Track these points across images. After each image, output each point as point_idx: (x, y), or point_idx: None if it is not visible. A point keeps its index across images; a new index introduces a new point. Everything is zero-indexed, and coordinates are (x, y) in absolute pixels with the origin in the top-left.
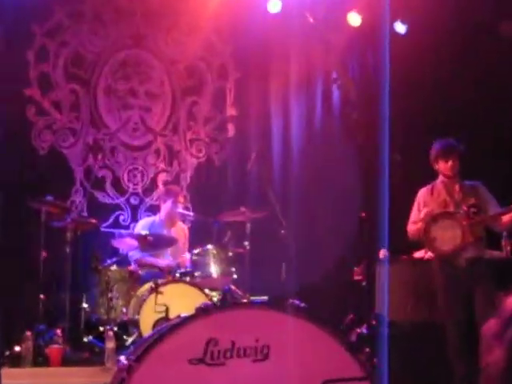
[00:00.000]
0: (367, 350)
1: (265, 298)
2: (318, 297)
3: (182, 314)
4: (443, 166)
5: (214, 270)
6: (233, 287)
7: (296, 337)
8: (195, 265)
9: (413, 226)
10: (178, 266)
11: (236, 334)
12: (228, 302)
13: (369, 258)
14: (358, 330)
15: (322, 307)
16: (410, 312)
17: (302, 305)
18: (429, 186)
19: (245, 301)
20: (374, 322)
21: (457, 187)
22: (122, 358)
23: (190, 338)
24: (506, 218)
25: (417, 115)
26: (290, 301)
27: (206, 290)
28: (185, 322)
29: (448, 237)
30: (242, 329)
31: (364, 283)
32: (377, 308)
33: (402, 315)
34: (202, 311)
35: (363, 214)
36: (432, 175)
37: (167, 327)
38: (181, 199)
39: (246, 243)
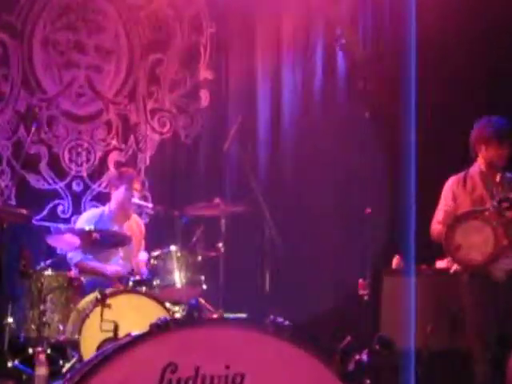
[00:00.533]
0: (368, 382)
1: (241, 315)
2: (309, 315)
3: (134, 332)
4: (495, 153)
5: (178, 278)
6: (202, 301)
7: (277, 364)
8: (154, 271)
9: (438, 227)
10: (132, 273)
11: (201, 359)
12: (192, 318)
13: (376, 266)
14: (357, 357)
15: (313, 328)
16: (429, 337)
17: (287, 323)
18: (460, 175)
19: (214, 317)
20: (377, 347)
21: (497, 178)
22: None
23: (143, 363)
24: None
25: (447, 86)
26: (271, 318)
27: (167, 304)
28: (135, 342)
29: (476, 243)
30: (210, 352)
31: (366, 298)
32: (382, 329)
33: (419, 341)
34: (158, 328)
35: (369, 210)
36: (462, 162)
37: (113, 348)
38: (137, 186)
39: (220, 245)
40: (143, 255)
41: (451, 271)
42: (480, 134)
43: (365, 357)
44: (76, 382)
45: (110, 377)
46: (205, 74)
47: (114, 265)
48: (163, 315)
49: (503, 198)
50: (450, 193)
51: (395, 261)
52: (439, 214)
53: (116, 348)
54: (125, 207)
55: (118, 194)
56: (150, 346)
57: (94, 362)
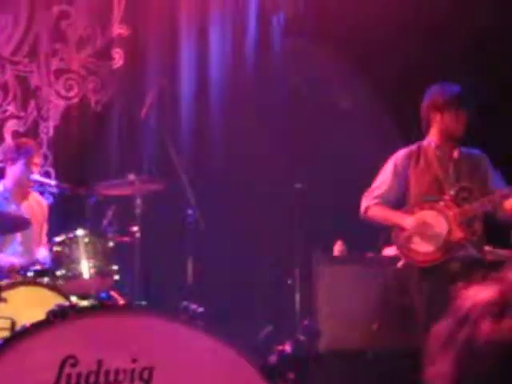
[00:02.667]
0: (291, 376)
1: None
2: (231, 303)
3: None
4: (452, 122)
5: (86, 267)
6: (114, 294)
7: (190, 357)
8: (57, 260)
9: (375, 203)
10: (32, 262)
11: (104, 351)
12: (94, 305)
13: (311, 251)
14: (280, 348)
15: (236, 318)
16: (375, 334)
17: (200, 310)
18: (412, 150)
19: (119, 303)
20: (302, 337)
21: (455, 154)
22: None
23: (38, 356)
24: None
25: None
26: (184, 304)
27: (73, 298)
28: (29, 333)
29: (429, 234)
30: (114, 343)
31: (295, 286)
32: (320, 326)
33: (363, 338)
34: (56, 316)
35: (299, 186)
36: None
37: (3, 340)
38: (37, 160)
39: (135, 228)
40: (43, 253)
41: (400, 264)
42: (435, 100)
43: (288, 348)
44: None
45: (2, 371)
46: (118, 29)
47: (9, 255)
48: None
49: (462, 187)
50: (400, 168)
51: (337, 247)
52: (377, 191)
53: (7, 339)
54: (22, 185)
55: (14, 170)
56: (46, 337)
57: None
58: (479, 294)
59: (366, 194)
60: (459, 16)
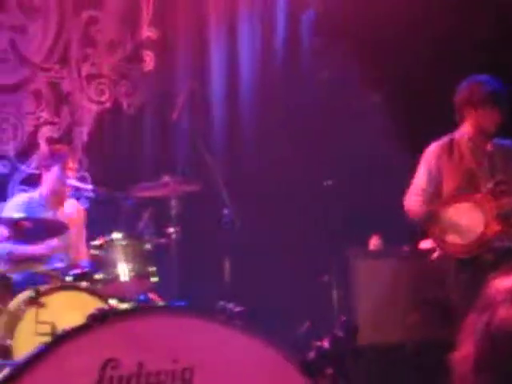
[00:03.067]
0: (330, 371)
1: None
2: (268, 301)
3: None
4: (486, 118)
5: (124, 270)
6: (151, 296)
7: (230, 356)
8: (96, 263)
9: (413, 200)
10: (70, 266)
11: (145, 353)
12: (133, 307)
13: (348, 247)
14: (318, 344)
15: (274, 316)
16: (411, 326)
17: (238, 310)
18: (445, 142)
19: (158, 305)
20: (340, 333)
21: (488, 147)
22: None
23: (79, 360)
24: None
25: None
26: (221, 304)
27: (112, 301)
28: (70, 337)
29: (465, 227)
30: (154, 345)
31: (332, 282)
32: (359, 321)
33: (398, 331)
34: (96, 320)
35: (329, 183)
36: (448, 125)
37: (46, 344)
38: (72, 165)
39: (172, 230)
40: (83, 248)
41: (435, 255)
42: (469, 95)
43: (326, 343)
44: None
45: (43, 375)
46: (148, 32)
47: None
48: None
49: (499, 181)
50: (434, 162)
51: (373, 241)
52: (416, 187)
53: (49, 344)
54: (58, 191)
55: (49, 176)
56: (86, 340)
57: (25, 360)
58: (503, 282)
59: (408, 192)
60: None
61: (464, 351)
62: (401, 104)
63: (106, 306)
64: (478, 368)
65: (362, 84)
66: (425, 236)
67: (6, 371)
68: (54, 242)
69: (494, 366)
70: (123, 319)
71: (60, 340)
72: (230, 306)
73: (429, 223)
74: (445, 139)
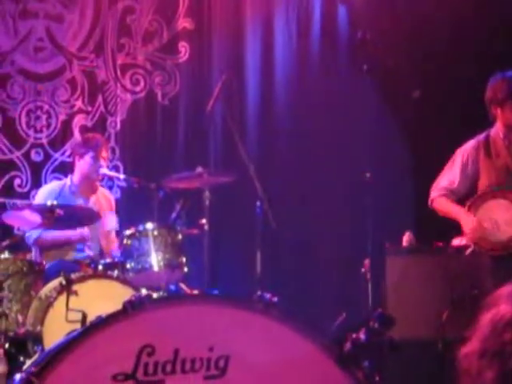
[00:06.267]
0: (365, 363)
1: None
2: (304, 295)
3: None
4: (510, 114)
5: (156, 260)
6: (183, 286)
7: (266, 345)
8: (127, 252)
9: (440, 195)
10: (102, 255)
11: (181, 340)
12: (170, 295)
13: (381, 242)
14: (354, 336)
15: (308, 308)
16: (445, 325)
17: (275, 300)
18: (481, 139)
19: (195, 293)
20: (375, 325)
21: None
22: (18, 376)
23: (115, 346)
24: None
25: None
26: (259, 294)
27: (143, 291)
28: (107, 323)
29: (500, 222)
30: (190, 333)
31: (368, 276)
32: (383, 305)
33: (432, 329)
34: (133, 307)
35: (368, 175)
36: (484, 122)
37: (81, 330)
38: (105, 154)
39: (204, 221)
40: (113, 221)
41: (470, 251)
42: (493, 94)
43: (362, 336)
44: (42, 366)
45: (78, 362)
46: (184, 22)
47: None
48: None
49: None
50: (470, 160)
51: (406, 237)
52: (444, 182)
53: (85, 329)
54: (91, 179)
55: (82, 164)
56: (123, 327)
57: (64, 345)
58: (507, 287)
59: (433, 185)
60: None
61: (470, 347)
62: (439, 101)
63: (142, 293)
64: (481, 362)
65: (401, 78)
66: (459, 233)
67: (38, 358)
68: (84, 229)
69: (495, 358)
70: (159, 306)
71: (97, 326)
72: (268, 295)
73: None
74: (481, 136)
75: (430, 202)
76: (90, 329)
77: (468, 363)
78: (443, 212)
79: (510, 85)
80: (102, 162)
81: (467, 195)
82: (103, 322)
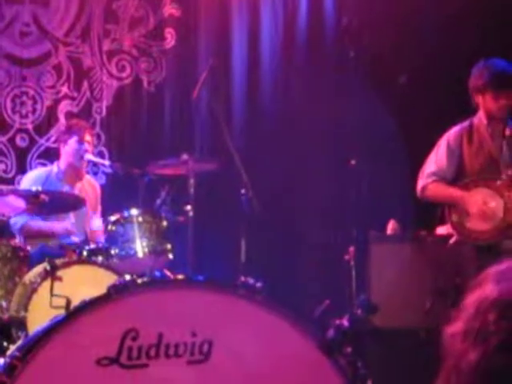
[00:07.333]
0: (348, 349)
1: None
2: (288, 282)
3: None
4: (491, 102)
5: (140, 246)
6: (167, 272)
7: (249, 330)
8: (112, 239)
9: (432, 181)
10: (86, 241)
11: (165, 325)
12: (154, 280)
13: (365, 229)
14: (337, 322)
15: (292, 295)
16: (428, 314)
17: (259, 285)
18: (464, 126)
19: (178, 278)
20: (359, 312)
21: (507, 131)
22: (1, 361)
23: (99, 330)
24: None
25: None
26: (242, 279)
27: (127, 277)
28: (91, 307)
29: (484, 213)
30: (174, 317)
31: (352, 263)
32: (366, 293)
33: (415, 317)
34: (117, 291)
35: (353, 162)
36: (465, 109)
37: (66, 314)
38: (89, 138)
39: (189, 208)
40: (97, 222)
41: (453, 241)
42: (475, 82)
43: (346, 322)
44: (26, 350)
45: (62, 346)
46: (170, 9)
47: (63, 222)
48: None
49: None
50: (454, 146)
51: (390, 225)
52: (432, 168)
53: (68, 313)
54: (76, 165)
55: (67, 150)
56: (107, 311)
57: (43, 332)
58: (497, 266)
59: (420, 174)
60: None
61: (454, 327)
62: (425, 86)
63: (126, 278)
64: (465, 343)
65: (389, 63)
66: (442, 221)
67: (22, 342)
68: (69, 223)
69: (478, 339)
70: (144, 291)
71: (80, 310)
72: (252, 281)
73: (448, 207)
74: (464, 124)
75: (420, 191)
76: (74, 313)
77: (452, 344)
78: (440, 197)
79: (491, 72)
80: (87, 146)
81: (453, 183)
82: (87, 306)
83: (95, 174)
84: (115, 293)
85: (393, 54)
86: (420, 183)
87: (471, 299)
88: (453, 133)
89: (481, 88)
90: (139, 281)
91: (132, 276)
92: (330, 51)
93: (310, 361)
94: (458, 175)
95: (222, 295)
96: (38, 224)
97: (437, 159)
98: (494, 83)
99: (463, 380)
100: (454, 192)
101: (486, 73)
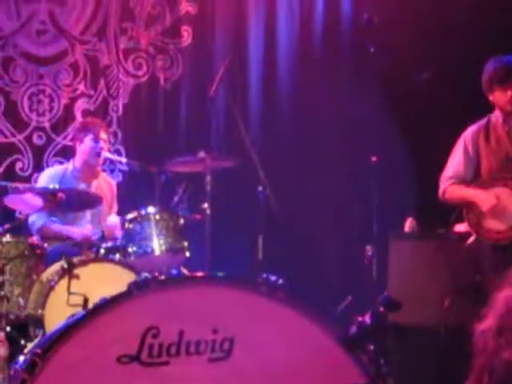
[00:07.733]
0: (371, 347)
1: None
2: (307, 280)
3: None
4: (500, 97)
5: (157, 244)
6: (184, 270)
7: (271, 327)
8: (129, 237)
9: (450, 184)
10: (103, 238)
11: (186, 322)
12: (175, 277)
13: (385, 227)
14: (360, 319)
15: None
16: (447, 311)
17: (281, 282)
18: (481, 125)
19: (200, 275)
20: (381, 309)
21: None
22: (21, 358)
23: (120, 327)
24: None
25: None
26: (264, 276)
27: (145, 275)
28: (112, 304)
29: (501, 212)
30: (195, 315)
31: (373, 261)
32: (388, 290)
33: (434, 315)
34: (138, 288)
35: (373, 159)
36: (486, 107)
37: (87, 312)
38: (104, 136)
39: (206, 205)
40: (114, 218)
41: (471, 240)
42: (483, 80)
43: (368, 319)
44: (46, 348)
45: (83, 344)
46: (186, 7)
47: (82, 228)
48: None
49: None
50: (472, 146)
51: (408, 223)
52: (450, 171)
53: (89, 311)
54: (91, 163)
55: (83, 148)
56: (128, 308)
57: (68, 327)
58: None
59: (441, 177)
60: None
61: (485, 324)
62: (447, 82)
63: (148, 274)
64: (499, 340)
65: (409, 60)
66: (460, 219)
67: (42, 340)
68: (88, 229)
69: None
70: (165, 288)
71: (101, 308)
72: (273, 277)
73: (466, 207)
74: (481, 122)
75: (441, 195)
76: (95, 310)
77: (484, 341)
78: (458, 198)
79: (494, 67)
80: (103, 144)
81: (471, 181)
82: (108, 304)
83: (112, 171)
84: (136, 290)
85: (411, 50)
86: (441, 187)
87: (501, 297)
88: (469, 132)
89: (489, 85)
90: (160, 278)
91: (151, 273)
92: (347, 47)
93: (332, 358)
94: (476, 174)
95: (243, 292)
96: (57, 227)
97: (454, 162)
98: (497, 77)
99: (497, 379)
100: (467, 192)
101: (489, 69)
